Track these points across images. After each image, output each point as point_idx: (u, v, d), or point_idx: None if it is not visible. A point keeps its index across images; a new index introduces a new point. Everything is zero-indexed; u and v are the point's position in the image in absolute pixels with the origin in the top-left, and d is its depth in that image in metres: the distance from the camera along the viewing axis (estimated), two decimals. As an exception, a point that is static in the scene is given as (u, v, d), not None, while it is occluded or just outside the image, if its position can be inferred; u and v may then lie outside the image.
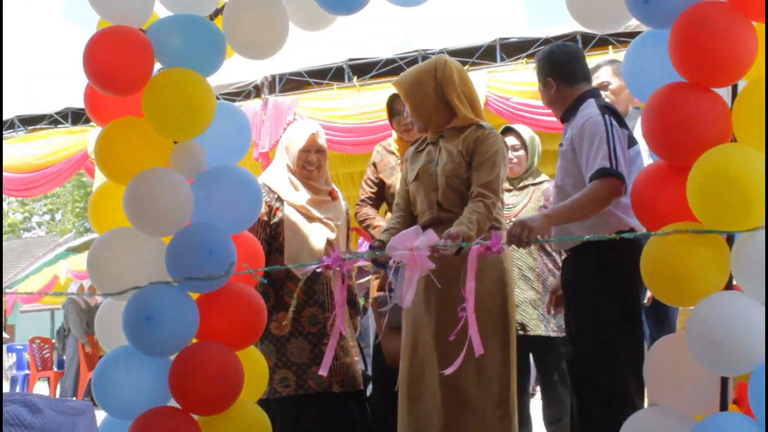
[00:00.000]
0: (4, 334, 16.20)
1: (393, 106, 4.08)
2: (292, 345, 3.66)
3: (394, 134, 4.24)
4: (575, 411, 3.18)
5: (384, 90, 3.81)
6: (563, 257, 3.47)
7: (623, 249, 2.92)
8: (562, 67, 3.30)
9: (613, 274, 3.02)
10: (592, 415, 3.02)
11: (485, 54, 7.61)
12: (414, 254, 2.88)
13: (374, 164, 4.18)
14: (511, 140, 4.24)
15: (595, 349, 3.04)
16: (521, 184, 4.32)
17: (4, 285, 18.03)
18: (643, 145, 3.24)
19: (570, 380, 3.30)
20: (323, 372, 3.10)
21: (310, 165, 3.88)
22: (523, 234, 2.88)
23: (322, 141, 3.96)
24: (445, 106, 3.44)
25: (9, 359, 14.29)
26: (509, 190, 4.24)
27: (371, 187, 4.19)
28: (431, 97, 3.43)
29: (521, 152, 4.29)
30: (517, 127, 4.45)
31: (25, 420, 2.01)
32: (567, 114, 3.33)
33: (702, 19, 2.39)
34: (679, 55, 2.46)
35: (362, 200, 4.21)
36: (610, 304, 3.04)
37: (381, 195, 4.21)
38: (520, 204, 4.21)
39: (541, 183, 4.36)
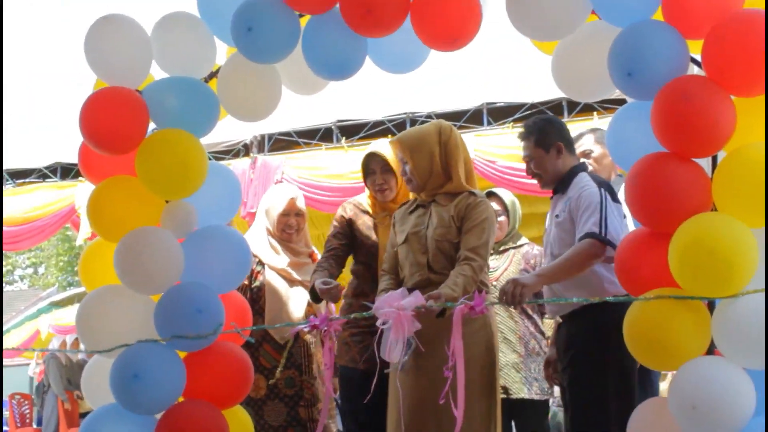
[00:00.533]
0: None
1: (368, 165, 3.88)
2: (269, 408, 3.65)
3: (366, 193, 4.01)
4: None
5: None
6: (555, 321, 3.52)
7: (619, 310, 2.97)
8: (568, 135, 3.43)
9: (612, 334, 3.05)
10: None
11: (472, 117, 7.69)
12: (400, 314, 2.92)
13: (350, 221, 3.85)
14: (492, 205, 4.18)
15: (591, 401, 3.10)
16: (502, 248, 4.37)
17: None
18: (629, 213, 3.32)
19: None
20: None
21: (289, 228, 3.93)
22: (516, 291, 2.95)
23: (301, 204, 4.01)
24: (444, 170, 3.51)
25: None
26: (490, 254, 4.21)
27: (340, 240, 3.81)
28: (435, 159, 3.49)
29: (503, 217, 4.35)
30: (499, 191, 4.52)
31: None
32: (561, 185, 3.42)
33: (683, 93, 2.47)
34: (661, 126, 2.54)
35: (325, 255, 3.77)
36: (608, 363, 3.08)
37: (348, 251, 3.85)
38: (501, 267, 4.26)
39: (521, 246, 4.41)
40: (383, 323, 3.01)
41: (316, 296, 3.48)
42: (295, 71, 3.18)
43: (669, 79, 2.53)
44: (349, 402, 3.57)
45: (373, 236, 3.75)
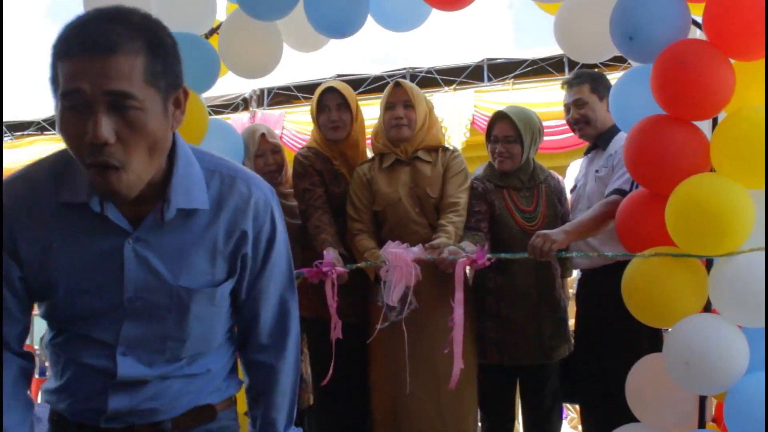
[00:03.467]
0: None
1: (321, 101, 3.59)
2: None
3: (312, 137, 3.75)
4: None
5: (372, 106, 3.62)
6: (581, 275, 3.55)
7: None
8: None
9: None
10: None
11: (473, 74, 7.68)
12: (407, 261, 2.96)
13: (319, 171, 3.56)
14: (502, 126, 3.52)
15: (628, 356, 3.10)
16: (531, 183, 3.58)
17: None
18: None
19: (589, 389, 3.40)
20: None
21: (268, 167, 3.68)
22: (545, 246, 2.98)
23: (273, 139, 3.75)
24: (427, 126, 3.52)
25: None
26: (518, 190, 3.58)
27: (320, 188, 3.54)
28: (426, 114, 3.52)
29: (516, 144, 3.49)
30: (510, 111, 3.54)
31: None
32: (602, 139, 3.46)
33: (682, 56, 2.49)
34: (660, 89, 2.57)
35: (318, 205, 3.50)
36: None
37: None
38: (538, 215, 3.53)
39: (546, 180, 3.65)
40: (387, 270, 3.04)
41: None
42: (296, 28, 3.19)
43: (670, 43, 2.55)
44: (329, 353, 3.31)
45: (338, 187, 3.57)
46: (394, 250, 3.03)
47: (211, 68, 3.14)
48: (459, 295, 3.01)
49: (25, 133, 9.72)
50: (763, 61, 2.52)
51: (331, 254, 3.14)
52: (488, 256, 2.98)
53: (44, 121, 9.63)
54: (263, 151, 3.67)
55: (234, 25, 3.16)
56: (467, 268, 3.16)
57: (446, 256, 3.08)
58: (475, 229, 3.38)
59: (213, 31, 3.22)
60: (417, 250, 3.05)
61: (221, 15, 3.27)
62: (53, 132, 9.56)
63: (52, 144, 9.36)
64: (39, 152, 9.29)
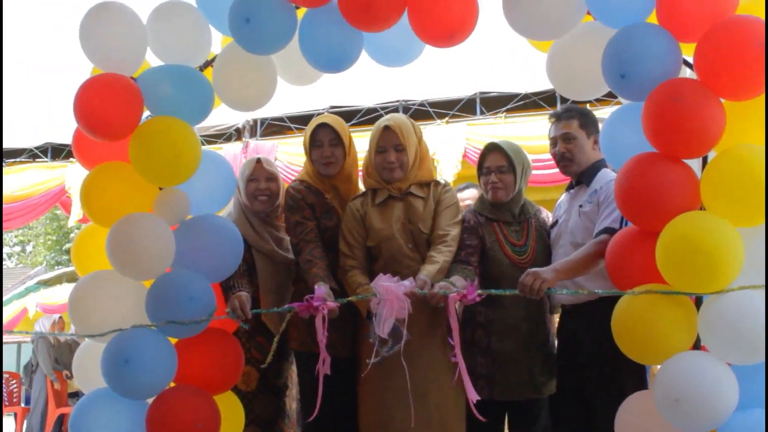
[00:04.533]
0: None
1: (315, 136, 3.58)
2: (259, 401, 3.55)
3: (304, 171, 3.73)
4: None
5: (364, 138, 3.61)
6: (561, 311, 3.55)
7: None
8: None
9: None
10: None
11: (465, 107, 7.70)
12: (397, 294, 2.97)
13: (311, 204, 3.54)
14: (495, 159, 3.55)
15: (611, 392, 3.10)
16: (522, 218, 3.61)
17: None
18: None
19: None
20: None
21: (260, 193, 3.65)
22: (535, 285, 2.97)
23: (270, 167, 3.75)
24: (418, 161, 3.53)
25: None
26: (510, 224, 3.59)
27: (312, 221, 3.51)
28: (416, 150, 3.53)
29: (509, 175, 3.53)
30: (503, 144, 3.59)
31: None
32: (586, 175, 3.46)
33: (673, 95, 2.52)
34: (651, 127, 2.59)
35: (310, 239, 3.46)
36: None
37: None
38: (528, 249, 3.55)
39: (537, 214, 3.70)
40: (378, 304, 3.02)
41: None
42: (291, 62, 3.21)
43: (661, 81, 2.57)
44: (314, 386, 3.27)
45: (330, 221, 3.56)
46: (385, 283, 3.03)
47: (204, 100, 3.17)
48: (455, 330, 3.04)
49: (18, 160, 9.70)
50: (755, 100, 2.55)
51: (322, 289, 3.14)
52: (479, 291, 2.99)
53: (36, 148, 9.61)
54: (257, 176, 3.66)
55: (229, 59, 3.18)
56: (456, 303, 3.16)
57: (437, 291, 3.08)
58: (465, 262, 3.38)
59: (208, 64, 3.24)
60: (408, 284, 3.05)
61: (216, 48, 3.28)
62: (45, 159, 9.54)
63: (43, 171, 9.34)
64: (30, 179, 9.29)
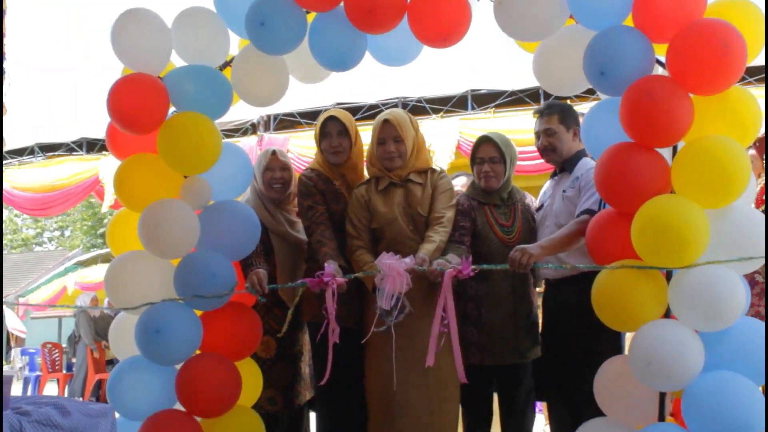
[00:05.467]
0: (18, 335, 15.99)
1: (324, 128, 3.58)
2: (278, 367, 3.54)
3: (314, 161, 3.72)
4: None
5: (367, 131, 3.62)
6: (546, 285, 3.56)
7: None
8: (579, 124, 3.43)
9: None
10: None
11: (458, 103, 7.70)
12: (399, 270, 2.97)
13: (322, 191, 3.53)
14: (488, 150, 3.55)
15: (591, 357, 3.09)
16: (509, 201, 3.60)
17: (17, 293, 17.83)
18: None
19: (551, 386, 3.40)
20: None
21: (275, 182, 3.65)
22: (523, 259, 2.99)
23: (284, 158, 3.74)
24: (416, 151, 3.53)
25: (22, 361, 14.13)
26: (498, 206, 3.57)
27: (322, 206, 3.50)
28: (414, 141, 3.52)
29: (499, 164, 3.53)
30: (493, 135, 3.60)
31: (56, 421, 2.04)
32: (568, 164, 3.46)
33: (647, 91, 2.51)
34: (627, 120, 2.58)
35: (321, 221, 3.45)
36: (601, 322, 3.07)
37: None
38: (515, 229, 3.55)
39: (523, 199, 3.69)
40: (381, 279, 3.03)
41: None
42: (302, 62, 3.19)
43: (636, 78, 2.57)
44: (325, 353, 3.28)
45: (338, 206, 3.54)
46: (387, 261, 3.03)
47: (224, 97, 3.15)
48: (450, 303, 3.03)
49: (56, 153, 9.71)
50: (721, 95, 2.55)
51: (331, 266, 3.14)
52: (472, 267, 2.99)
53: (73, 143, 9.61)
54: (273, 166, 3.67)
55: (245, 59, 3.16)
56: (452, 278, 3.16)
57: (435, 267, 3.09)
58: (458, 242, 3.39)
59: (227, 64, 3.23)
60: (408, 261, 3.06)
61: (234, 50, 3.27)
62: (81, 153, 9.55)
63: (79, 163, 9.35)
64: (67, 170, 9.30)
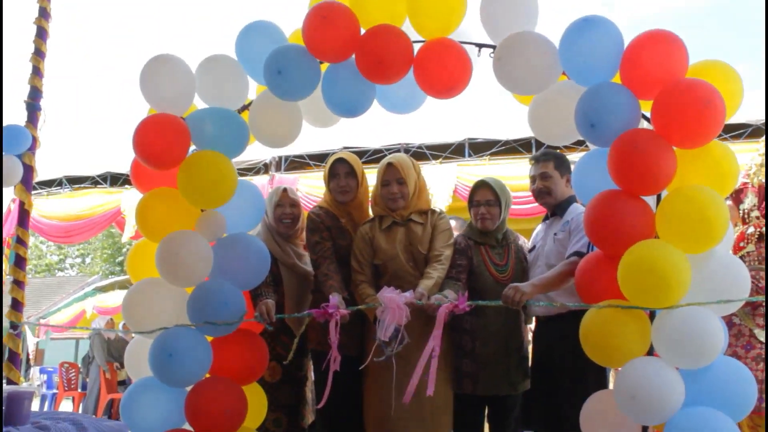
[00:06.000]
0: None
1: (333, 169, 3.59)
2: (283, 391, 3.52)
3: (321, 200, 3.72)
4: None
5: (371, 174, 3.65)
6: (537, 323, 3.53)
7: None
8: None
9: None
10: None
11: (456, 150, 7.73)
12: (399, 304, 2.95)
13: (328, 227, 3.54)
14: (484, 193, 3.56)
15: (578, 392, 3.06)
16: (504, 242, 3.60)
17: (39, 315, 17.71)
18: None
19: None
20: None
21: (285, 218, 3.66)
22: (516, 297, 2.98)
23: (293, 196, 3.75)
24: (417, 193, 3.54)
25: (40, 379, 14.00)
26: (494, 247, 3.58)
27: (329, 242, 3.51)
28: (415, 183, 3.54)
29: (495, 207, 3.53)
30: (489, 180, 3.61)
31: (73, 436, 2.01)
32: (560, 208, 3.47)
33: (634, 143, 2.51)
34: (615, 169, 2.58)
35: (327, 256, 3.46)
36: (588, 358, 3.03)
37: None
38: (509, 267, 3.55)
39: (516, 240, 3.68)
40: (382, 311, 3.01)
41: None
42: (314, 108, 3.21)
43: (624, 131, 2.57)
44: (333, 382, 3.24)
45: (344, 241, 3.54)
46: (388, 294, 3.02)
47: (241, 138, 3.16)
48: (438, 332, 2.99)
49: (82, 185, 9.72)
50: (702, 149, 2.56)
51: (336, 298, 3.13)
52: (468, 303, 2.97)
53: (98, 176, 9.63)
54: (283, 202, 3.69)
55: (262, 104, 3.18)
56: (449, 312, 3.13)
57: (433, 302, 3.07)
58: (455, 279, 3.38)
59: (245, 108, 3.24)
60: (408, 296, 3.04)
61: (252, 94, 3.29)
62: (105, 186, 9.56)
63: (102, 196, 9.36)
64: (91, 202, 9.30)
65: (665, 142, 2.52)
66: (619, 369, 2.58)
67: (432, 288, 3.25)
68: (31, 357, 16.82)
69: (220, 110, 3.14)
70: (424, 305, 3.08)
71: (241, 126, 3.15)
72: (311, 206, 3.91)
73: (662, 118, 2.53)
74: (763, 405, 3.22)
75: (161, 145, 3.01)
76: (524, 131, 7.57)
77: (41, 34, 4.25)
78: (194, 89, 3.14)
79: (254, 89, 3.31)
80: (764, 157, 3.17)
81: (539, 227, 3.66)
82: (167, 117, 3.07)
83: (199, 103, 3.24)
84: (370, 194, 3.71)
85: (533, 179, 3.54)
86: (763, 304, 3.32)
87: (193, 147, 3.13)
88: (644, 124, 2.70)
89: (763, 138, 3.59)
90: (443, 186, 7.25)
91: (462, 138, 7.75)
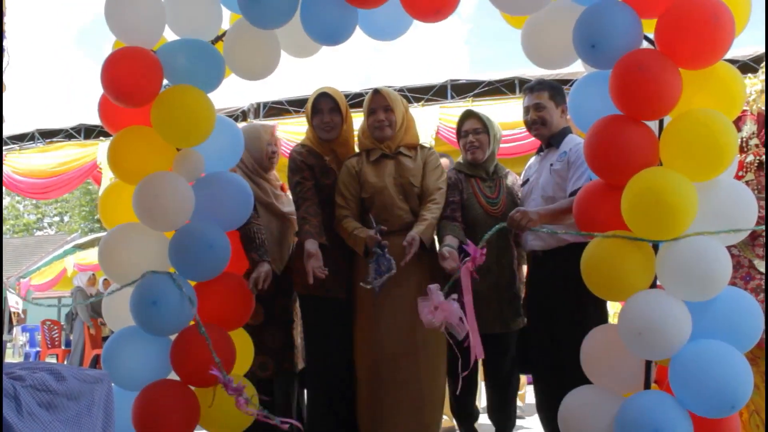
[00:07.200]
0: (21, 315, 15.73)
1: (317, 104, 3.40)
2: (268, 332, 3.35)
3: (306, 137, 3.54)
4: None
5: (354, 118, 3.50)
6: (532, 260, 3.41)
7: None
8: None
9: None
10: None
11: (438, 92, 7.58)
12: (445, 306, 2.80)
13: (311, 166, 3.38)
14: (470, 123, 3.51)
15: (577, 328, 2.96)
16: (494, 176, 3.56)
17: (19, 275, 17.51)
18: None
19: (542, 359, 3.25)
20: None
21: (274, 155, 3.55)
22: (523, 220, 2.90)
23: (277, 133, 3.67)
24: (404, 127, 3.40)
25: (23, 338, 13.92)
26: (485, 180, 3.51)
27: (311, 182, 3.36)
28: (403, 117, 3.40)
29: (483, 134, 3.47)
30: (476, 110, 3.57)
31: (51, 386, 1.87)
32: (555, 139, 3.35)
33: (637, 64, 2.34)
34: (617, 92, 2.42)
35: (308, 197, 3.31)
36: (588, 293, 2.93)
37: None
38: (500, 201, 3.49)
39: (506, 176, 3.61)
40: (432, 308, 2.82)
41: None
42: (293, 36, 3.00)
43: (626, 52, 2.40)
44: (322, 327, 3.29)
45: (328, 180, 3.38)
46: (437, 302, 2.82)
47: (217, 70, 2.96)
48: (468, 297, 2.87)
49: (55, 139, 9.44)
50: (708, 70, 2.40)
51: (312, 246, 3.08)
52: (480, 248, 2.81)
53: (71, 128, 9.35)
54: (272, 140, 3.57)
55: (237, 33, 2.98)
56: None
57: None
58: (451, 218, 3.28)
59: (219, 38, 3.03)
60: (446, 302, 2.83)
61: (226, 24, 3.08)
62: (79, 138, 9.29)
63: (77, 149, 9.09)
64: (66, 156, 9.03)
65: (670, 62, 2.36)
66: (623, 303, 2.46)
67: (426, 230, 3.14)
68: (13, 318, 16.67)
69: (192, 41, 2.92)
70: (448, 270, 3.00)
71: (216, 58, 2.94)
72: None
73: (668, 35, 2.37)
74: (764, 336, 3.14)
75: (132, 80, 2.79)
76: (507, 72, 7.41)
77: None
78: (164, 20, 2.92)
79: (228, 18, 3.10)
80: (764, 84, 3.01)
81: (532, 160, 3.55)
82: (137, 50, 2.84)
83: (169, 35, 3.02)
84: (355, 135, 3.55)
85: (527, 110, 3.40)
86: (763, 234, 3.22)
87: (165, 82, 2.92)
88: (646, 46, 2.53)
89: (762, 66, 3.43)
90: (426, 128, 7.12)
91: (444, 79, 7.58)
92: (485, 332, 3.29)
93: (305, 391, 3.54)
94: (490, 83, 7.35)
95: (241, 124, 7.92)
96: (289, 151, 3.67)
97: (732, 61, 6.29)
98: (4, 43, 4.04)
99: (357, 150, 3.51)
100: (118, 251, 2.93)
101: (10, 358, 15.33)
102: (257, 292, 3.08)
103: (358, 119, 3.45)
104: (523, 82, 7.05)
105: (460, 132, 3.50)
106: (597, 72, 2.64)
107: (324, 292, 3.23)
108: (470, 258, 2.82)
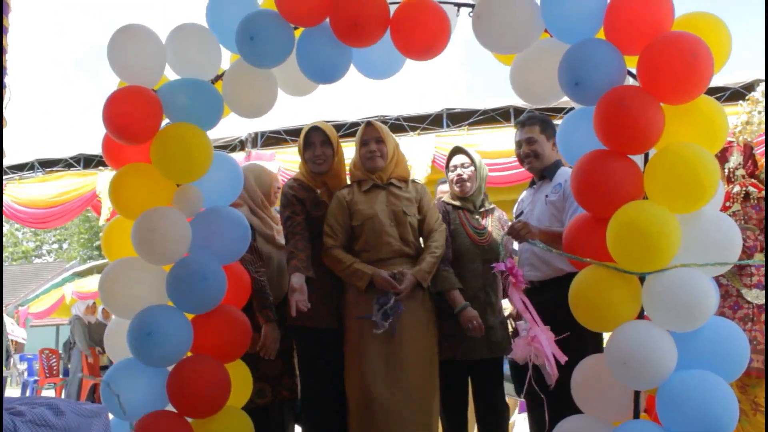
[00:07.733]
0: (19, 340, 15.68)
1: (308, 138, 3.49)
2: (265, 360, 3.38)
3: (297, 172, 3.64)
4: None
5: (349, 147, 3.59)
6: (534, 285, 3.45)
7: None
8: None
9: None
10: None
11: (434, 120, 7.67)
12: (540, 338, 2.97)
13: (302, 200, 3.45)
14: (460, 158, 3.64)
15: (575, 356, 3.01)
16: (481, 209, 3.69)
17: (17, 303, 17.49)
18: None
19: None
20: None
21: (279, 191, 3.69)
22: (523, 230, 3.04)
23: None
24: (395, 160, 3.50)
25: (21, 366, 13.88)
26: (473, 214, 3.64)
27: (302, 216, 3.43)
28: (394, 150, 3.50)
29: (471, 169, 3.61)
30: (464, 147, 3.73)
31: (50, 421, 1.91)
32: (548, 171, 3.45)
33: (620, 100, 2.42)
34: (602, 127, 2.49)
35: (297, 231, 3.38)
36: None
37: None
38: (486, 232, 3.61)
39: (493, 210, 3.74)
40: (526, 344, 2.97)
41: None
42: (290, 75, 3.08)
43: (609, 88, 2.49)
44: (313, 359, 3.34)
45: (319, 212, 3.44)
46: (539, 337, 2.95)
47: (215, 109, 3.04)
48: (528, 316, 3.01)
49: (54, 168, 9.52)
50: (689, 105, 2.48)
51: (299, 280, 3.18)
52: (504, 261, 3.05)
53: (71, 158, 9.43)
54: (277, 178, 3.76)
55: (236, 73, 3.06)
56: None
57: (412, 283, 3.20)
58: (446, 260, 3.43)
59: (218, 78, 3.12)
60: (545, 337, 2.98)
61: (225, 64, 3.17)
62: (78, 168, 9.36)
63: (76, 178, 9.16)
64: (65, 185, 9.09)
65: (652, 97, 2.44)
66: (610, 333, 2.52)
67: (420, 271, 3.27)
68: (11, 346, 16.62)
69: (192, 81, 3.01)
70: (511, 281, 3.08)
71: (215, 96, 3.02)
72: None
73: (648, 72, 2.44)
74: (753, 365, 3.19)
75: (133, 118, 2.87)
76: (501, 100, 7.51)
77: (2, 8, 4.06)
78: (165, 60, 3.01)
79: (227, 58, 3.19)
80: (764, 115, 3.08)
81: (524, 193, 3.63)
82: (138, 89, 2.93)
83: (170, 75, 3.11)
84: (347, 168, 3.64)
85: (519, 144, 3.49)
86: (750, 264, 3.28)
87: (165, 120, 3.00)
88: (629, 81, 2.62)
89: (753, 96, 3.52)
90: (422, 157, 7.20)
91: (440, 108, 7.67)
92: (473, 358, 3.37)
93: (298, 421, 3.59)
94: (485, 112, 7.45)
95: (239, 155, 8.08)
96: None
97: (723, 89, 6.43)
98: (5, 79, 4.15)
99: (348, 182, 3.59)
100: (117, 284, 3.00)
101: (7, 386, 15.28)
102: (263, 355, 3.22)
103: (353, 149, 3.56)
104: (517, 110, 7.15)
105: (449, 166, 3.64)
106: (584, 108, 2.72)
107: (316, 323, 3.29)
108: (504, 275, 2.91)
